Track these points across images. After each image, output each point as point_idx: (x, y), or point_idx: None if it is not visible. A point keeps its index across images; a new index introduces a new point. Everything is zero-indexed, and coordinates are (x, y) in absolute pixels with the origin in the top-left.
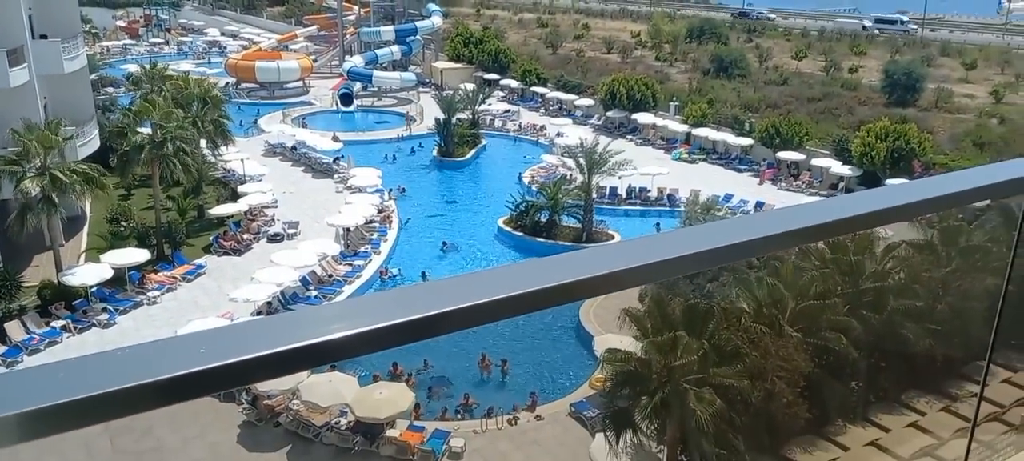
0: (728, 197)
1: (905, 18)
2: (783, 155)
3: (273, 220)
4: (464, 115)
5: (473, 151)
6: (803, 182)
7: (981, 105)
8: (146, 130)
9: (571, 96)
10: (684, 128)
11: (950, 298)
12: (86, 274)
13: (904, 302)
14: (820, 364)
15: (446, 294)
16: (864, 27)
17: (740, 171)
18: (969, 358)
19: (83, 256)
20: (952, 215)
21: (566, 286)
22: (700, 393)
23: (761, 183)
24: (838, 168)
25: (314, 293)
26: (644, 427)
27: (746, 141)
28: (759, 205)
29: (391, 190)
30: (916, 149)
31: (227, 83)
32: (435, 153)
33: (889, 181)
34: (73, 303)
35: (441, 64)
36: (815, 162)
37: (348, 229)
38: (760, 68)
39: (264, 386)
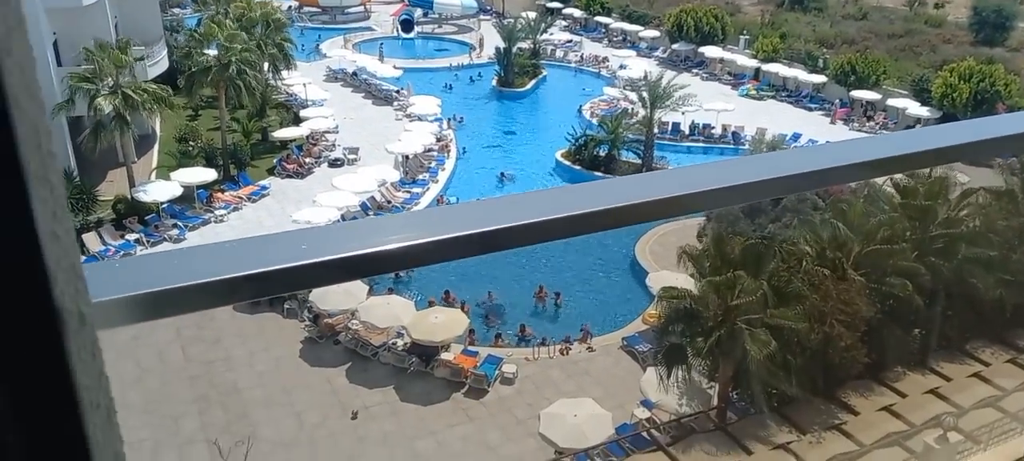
0: (796, 136)
1: None
2: (858, 94)
3: (334, 145)
4: (525, 44)
5: (533, 82)
6: (877, 123)
7: None
8: (212, 52)
9: (636, 27)
10: (753, 63)
11: None
12: (157, 190)
13: (976, 250)
14: (883, 310)
15: (504, 210)
16: None
17: (810, 109)
18: None
19: (154, 173)
20: None
21: (623, 209)
22: (756, 333)
23: (833, 123)
24: (916, 109)
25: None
26: (697, 364)
27: (819, 78)
28: None
29: (450, 119)
30: (1001, 91)
31: (290, 6)
32: (494, 83)
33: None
34: (145, 218)
35: None
36: (892, 102)
37: (407, 156)
38: (838, 1)
39: (325, 306)
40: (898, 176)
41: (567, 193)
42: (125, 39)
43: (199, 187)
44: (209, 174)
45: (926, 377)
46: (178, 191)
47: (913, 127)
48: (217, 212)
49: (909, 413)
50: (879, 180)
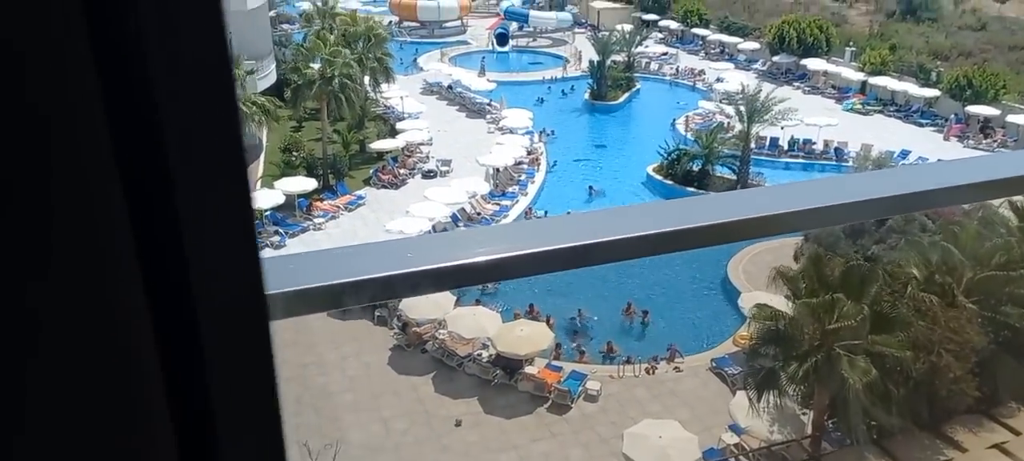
0: (905, 153)
1: None
2: (974, 109)
3: (428, 157)
4: (619, 57)
5: (626, 95)
6: (995, 140)
7: None
8: (316, 66)
9: (735, 39)
10: (860, 76)
11: None
12: (261, 198)
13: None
14: (996, 340)
15: (593, 225)
16: None
17: (921, 125)
18: None
19: (259, 182)
20: None
21: (716, 227)
22: (855, 360)
23: (946, 139)
24: None
25: (463, 229)
26: (790, 390)
27: (931, 92)
28: None
29: (541, 132)
30: None
31: (390, 21)
32: (587, 96)
33: None
34: None
35: (598, 4)
36: (1011, 118)
37: (498, 169)
38: (955, 11)
39: (413, 314)
40: (1018, 198)
41: (659, 209)
42: (237, 54)
43: (300, 196)
44: (309, 184)
45: None
46: (280, 199)
47: None
48: (315, 220)
49: (1022, 452)
50: (996, 202)
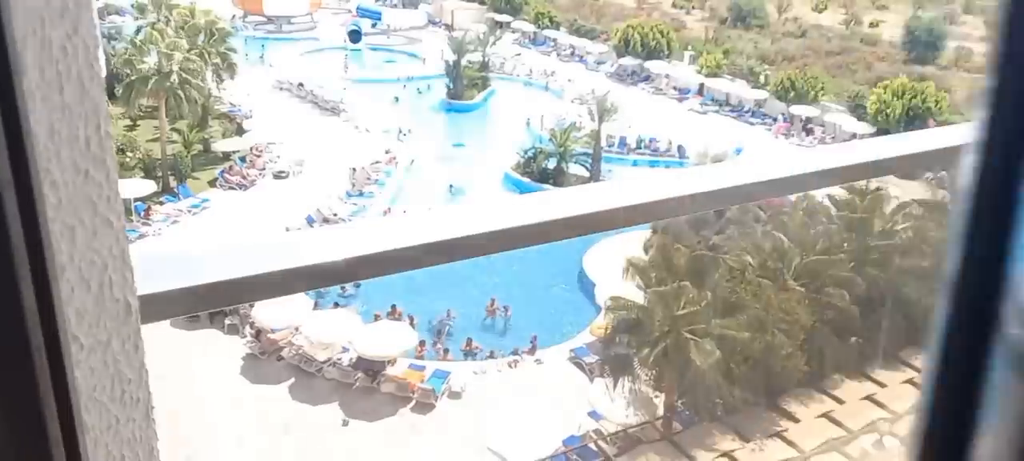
0: (739, 150)
1: None
2: (797, 109)
3: (278, 157)
4: (474, 57)
5: (482, 94)
6: (816, 138)
7: None
8: (152, 60)
9: (584, 41)
10: (698, 78)
11: None
12: None
13: (910, 261)
14: (822, 319)
15: (455, 221)
16: None
17: (752, 124)
18: None
19: None
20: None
21: (577, 219)
22: (701, 343)
23: (776, 137)
24: (852, 124)
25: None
26: (643, 375)
27: (760, 94)
28: None
29: (398, 131)
30: (932, 108)
31: (234, 15)
32: (444, 95)
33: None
34: None
35: (452, 4)
36: (829, 118)
37: (354, 168)
38: (779, 19)
39: (267, 321)
40: (837, 191)
41: (521, 204)
42: None
43: (136, 200)
44: (147, 186)
45: (863, 384)
46: None
47: (850, 141)
48: (155, 225)
49: (847, 420)
50: (818, 194)
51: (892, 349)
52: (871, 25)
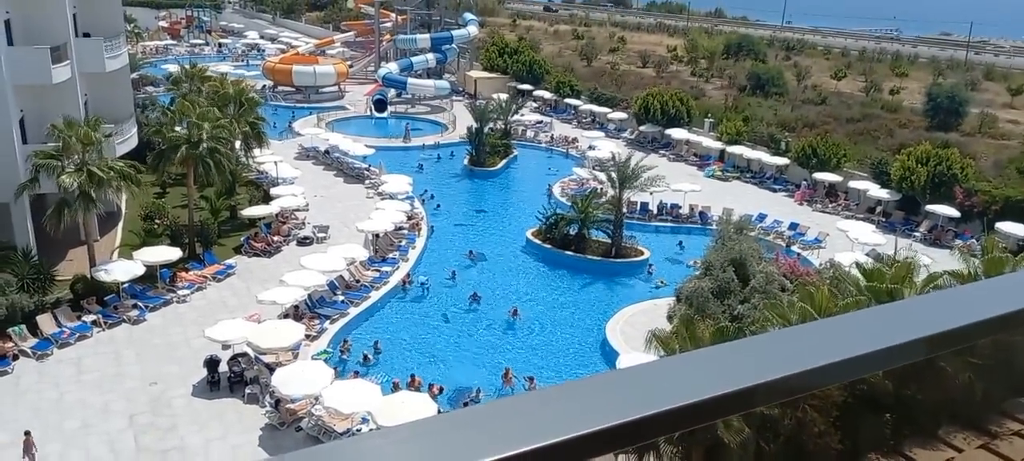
0: (762, 216)
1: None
2: (820, 176)
3: (304, 223)
4: (497, 125)
5: (504, 161)
6: (840, 204)
7: None
8: (183, 130)
9: (604, 109)
10: (718, 145)
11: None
12: (118, 270)
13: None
14: (853, 394)
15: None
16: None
17: (775, 190)
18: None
19: (117, 252)
20: (995, 245)
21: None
22: (728, 420)
23: (800, 204)
24: (876, 191)
25: (341, 298)
26: (668, 451)
27: (782, 160)
28: (793, 226)
29: (421, 196)
30: (958, 175)
31: (264, 85)
32: (466, 162)
33: (929, 207)
34: (104, 298)
35: (475, 73)
36: (852, 184)
37: (377, 235)
38: (798, 87)
39: (287, 390)
40: (867, 260)
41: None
42: (95, 116)
43: (162, 266)
44: (173, 253)
45: None
46: (140, 270)
47: (874, 208)
48: (180, 292)
49: None
50: (844, 262)
51: (931, 427)
52: (891, 92)
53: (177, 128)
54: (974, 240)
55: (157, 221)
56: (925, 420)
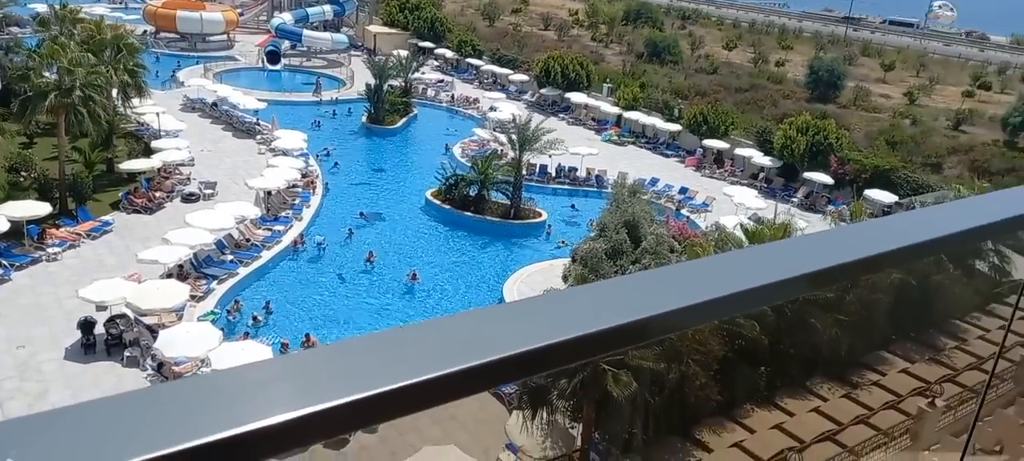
0: (654, 181)
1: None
2: (709, 143)
3: (189, 179)
4: (396, 82)
5: (404, 120)
6: (726, 170)
7: (896, 105)
8: (52, 75)
9: (506, 70)
10: (615, 110)
11: (858, 291)
12: None
13: (814, 292)
14: (733, 347)
15: (414, 353)
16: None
17: (667, 156)
18: (871, 348)
19: None
20: (862, 210)
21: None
22: (618, 375)
23: (695, 169)
24: (759, 159)
25: (230, 258)
26: (561, 406)
27: (674, 127)
28: (683, 190)
29: (317, 154)
30: (833, 144)
31: (145, 31)
32: (364, 120)
33: (807, 174)
34: None
35: (375, 28)
36: (739, 151)
37: (269, 192)
38: (692, 56)
39: (171, 353)
40: (748, 222)
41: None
42: None
43: (29, 222)
44: (42, 208)
45: (772, 413)
46: (4, 226)
47: (757, 175)
48: (50, 250)
49: (758, 448)
50: (729, 225)
51: (800, 378)
52: (777, 64)
53: (46, 74)
54: (845, 206)
55: (23, 173)
56: (796, 373)
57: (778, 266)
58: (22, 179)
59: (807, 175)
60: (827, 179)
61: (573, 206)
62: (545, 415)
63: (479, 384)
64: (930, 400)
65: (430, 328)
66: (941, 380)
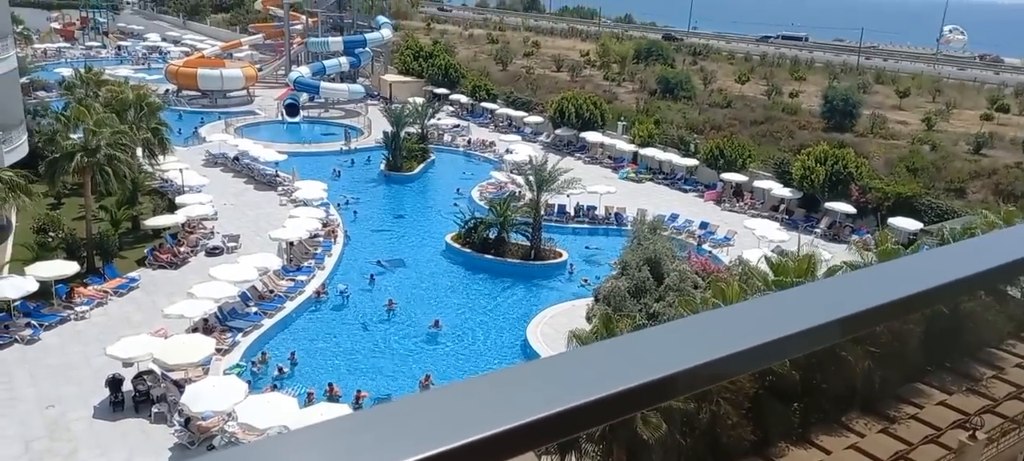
0: (674, 216)
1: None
2: (727, 176)
3: (212, 233)
4: (413, 129)
5: (421, 166)
6: (746, 203)
7: (913, 131)
8: (78, 136)
9: (520, 113)
10: (631, 147)
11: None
12: (8, 287)
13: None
14: (763, 386)
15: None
16: (766, 38)
17: (685, 191)
18: (905, 380)
19: (7, 267)
20: (888, 238)
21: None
22: (647, 416)
23: (716, 203)
24: (779, 190)
25: (255, 309)
26: (590, 449)
27: (691, 162)
28: (703, 225)
29: (338, 203)
30: (853, 173)
31: (167, 90)
32: (383, 167)
33: (828, 204)
34: None
35: (390, 77)
36: (758, 184)
37: (291, 243)
38: (705, 90)
39: (197, 407)
40: (773, 255)
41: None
42: None
43: (58, 282)
44: (70, 267)
45: (808, 451)
46: (33, 287)
47: (778, 207)
48: (78, 308)
49: None
50: (752, 258)
51: (834, 413)
52: (791, 95)
53: (72, 135)
54: (869, 235)
55: (51, 234)
56: (830, 408)
57: (816, 311)
58: (50, 239)
59: (829, 205)
60: (849, 208)
61: (587, 247)
62: (574, 459)
63: (515, 448)
64: (971, 433)
65: (453, 393)
66: (981, 411)
